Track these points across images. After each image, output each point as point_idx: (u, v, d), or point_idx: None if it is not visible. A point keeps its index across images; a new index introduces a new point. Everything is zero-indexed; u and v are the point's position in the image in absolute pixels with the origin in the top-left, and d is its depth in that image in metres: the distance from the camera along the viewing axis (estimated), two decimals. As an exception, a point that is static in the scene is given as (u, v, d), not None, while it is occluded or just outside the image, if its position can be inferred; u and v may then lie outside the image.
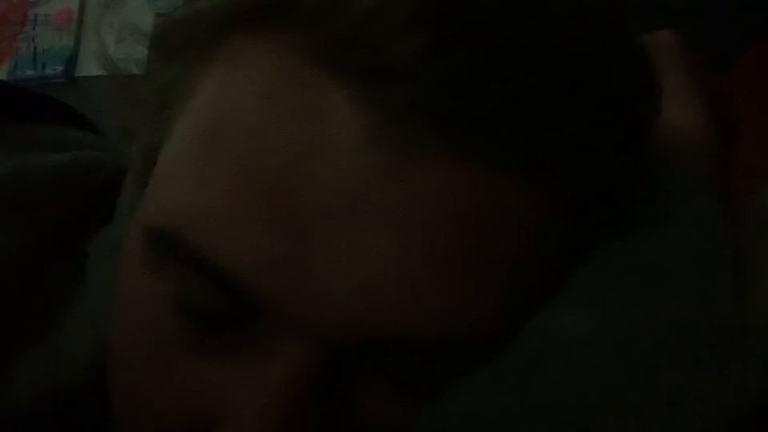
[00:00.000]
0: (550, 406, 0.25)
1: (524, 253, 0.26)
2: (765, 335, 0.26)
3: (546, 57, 0.25)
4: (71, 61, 1.46)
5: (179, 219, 0.26)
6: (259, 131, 0.25)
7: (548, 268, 0.27)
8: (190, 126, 0.28)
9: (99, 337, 0.32)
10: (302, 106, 0.25)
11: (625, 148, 0.28)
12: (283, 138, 0.25)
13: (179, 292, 0.26)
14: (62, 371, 0.32)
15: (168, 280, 0.27)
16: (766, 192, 0.34)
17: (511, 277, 0.26)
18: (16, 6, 1.54)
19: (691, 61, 0.34)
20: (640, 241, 0.28)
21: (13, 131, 0.38)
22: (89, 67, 1.46)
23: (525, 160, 0.25)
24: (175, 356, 0.27)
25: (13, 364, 0.32)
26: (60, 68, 1.46)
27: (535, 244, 0.26)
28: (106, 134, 0.42)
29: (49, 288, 0.34)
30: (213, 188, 0.26)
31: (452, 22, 0.24)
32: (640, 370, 0.25)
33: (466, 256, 0.25)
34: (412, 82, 0.24)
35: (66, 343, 0.33)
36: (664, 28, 0.35)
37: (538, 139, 0.25)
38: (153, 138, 0.30)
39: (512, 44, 0.24)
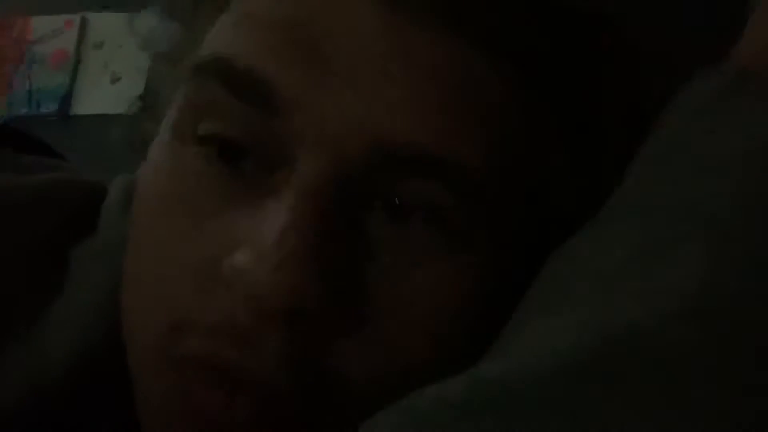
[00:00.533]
0: None
1: (492, 117, 0.31)
2: None
3: None
4: (66, 99, 1.48)
5: (222, 51, 0.31)
6: None
7: (508, 145, 0.31)
8: (228, 14, 0.33)
9: (83, 340, 0.33)
10: None
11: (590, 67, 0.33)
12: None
13: (215, 133, 0.30)
14: (42, 373, 0.33)
15: (205, 116, 0.31)
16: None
17: (486, 125, 0.30)
18: (13, 44, 1.56)
19: None
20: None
21: (5, 157, 0.40)
22: (84, 106, 1.47)
23: (492, 45, 0.31)
24: (199, 209, 0.30)
25: None
26: (54, 107, 1.47)
27: (498, 117, 0.31)
28: (101, 169, 0.43)
29: (29, 292, 0.35)
30: (251, 30, 0.31)
31: None
32: None
33: (453, 98, 0.30)
34: None
35: (46, 346, 0.33)
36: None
37: (504, 31, 0.30)
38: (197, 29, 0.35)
39: None
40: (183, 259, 0.30)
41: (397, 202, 0.30)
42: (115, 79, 1.49)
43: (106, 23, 1.54)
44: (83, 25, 1.55)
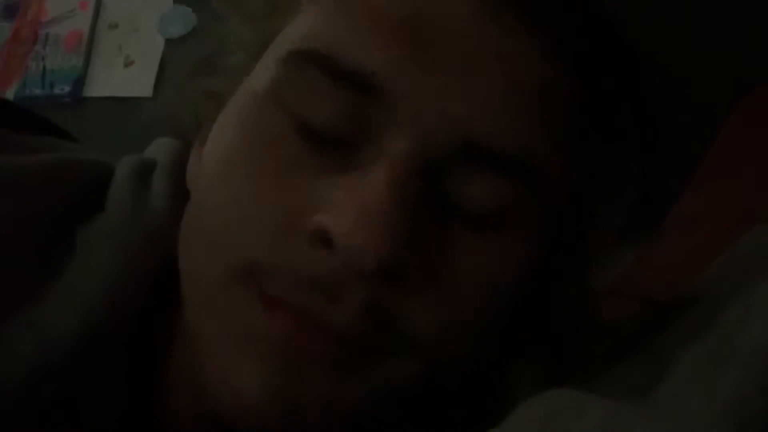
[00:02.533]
0: None
1: (557, 123, 0.34)
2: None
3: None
4: (79, 81, 1.48)
5: (321, 41, 0.33)
6: None
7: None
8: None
9: (86, 321, 0.33)
10: None
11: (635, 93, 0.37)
12: None
13: (307, 107, 0.33)
14: (44, 353, 0.33)
15: (297, 99, 0.33)
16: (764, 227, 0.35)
17: (553, 130, 0.34)
18: (28, 25, 1.56)
19: None
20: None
21: (9, 139, 0.40)
22: (97, 88, 1.47)
23: (564, 58, 0.34)
24: (287, 172, 0.33)
25: None
26: (68, 88, 1.47)
27: (562, 124, 0.35)
28: (112, 152, 0.43)
29: (33, 271, 0.35)
30: (352, 17, 0.33)
31: None
32: None
33: (531, 102, 0.34)
34: None
35: (48, 326, 0.33)
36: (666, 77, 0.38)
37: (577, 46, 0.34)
38: (256, 44, 0.37)
39: None
40: (266, 207, 0.33)
41: (471, 194, 0.33)
42: (128, 63, 1.49)
43: (120, 5, 1.54)
44: (98, 6, 1.55)
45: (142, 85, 1.44)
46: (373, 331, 0.32)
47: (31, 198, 0.36)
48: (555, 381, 0.32)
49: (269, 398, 0.31)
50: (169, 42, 1.48)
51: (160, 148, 0.42)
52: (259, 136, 0.34)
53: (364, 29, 0.33)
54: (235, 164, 0.34)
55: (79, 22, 1.53)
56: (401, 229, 0.31)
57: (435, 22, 0.33)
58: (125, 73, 1.48)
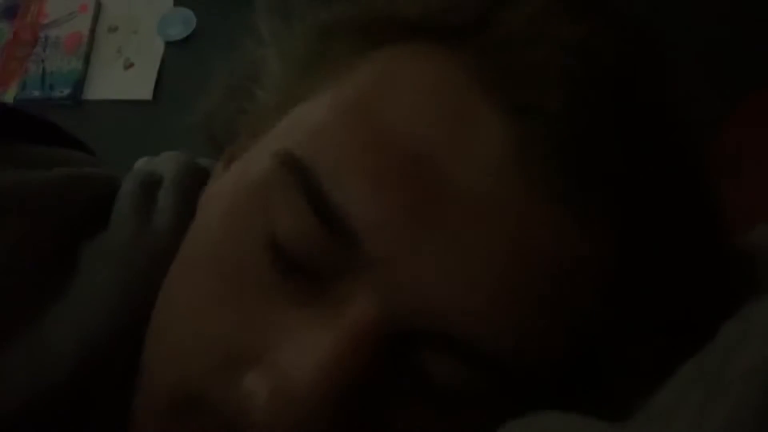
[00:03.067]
0: None
1: (584, 313, 0.29)
2: None
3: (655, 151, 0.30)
4: (79, 84, 1.48)
5: (320, 157, 0.29)
6: (416, 117, 0.29)
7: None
8: (345, 93, 0.31)
9: (87, 342, 0.33)
10: (459, 113, 0.29)
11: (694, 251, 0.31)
12: (436, 130, 0.29)
13: (283, 225, 0.29)
14: (45, 375, 0.32)
15: (277, 212, 0.29)
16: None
17: (569, 327, 0.29)
18: (28, 27, 1.56)
19: None
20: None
21: (16, 150, 0.39)
22: (96, 91, 1.47)
23: (608, 233, 0.29)
24: (247, 293, 0.30)
25: None
26: (67, 91, 1.47)
27: (592, 306, 0.29)
28: (111, 156, 0.43)
29: (35, 292, 0.34)
30: (358, 143, 0.29)
31: (592, 88, 0.29)
32: None
33: (546, 296, 0.29)
34: (558, 128, 0.28)
35: (49, 347, 0.33)
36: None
37: (627, 225, 0.29)
38: (285, 95, 0.34)
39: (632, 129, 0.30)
40: (216, 334, 0.30)
41: (429, 376, 0.28)
42: (128, 65, 1.49)
43: (120, 7, 1.54)
44: (98, 9, 1.55)
45: (142, 87, 1.44)
46: None
47: (37, 216, 0.36)
48: None
49: None
50: (169, 45, 1.48)
51: (167, 163, 0.41)
52: (234, 241, 0.31)
53: (362, 157, 0.29)
54: (199, 270, 0.32)
55: (79, 25, 1.53)
56: (330, 414, 0.27)
57: (451, 168, 0.28)
58: (125, 76, 1.47)
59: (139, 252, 0.35)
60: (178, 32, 1.48)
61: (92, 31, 1.52)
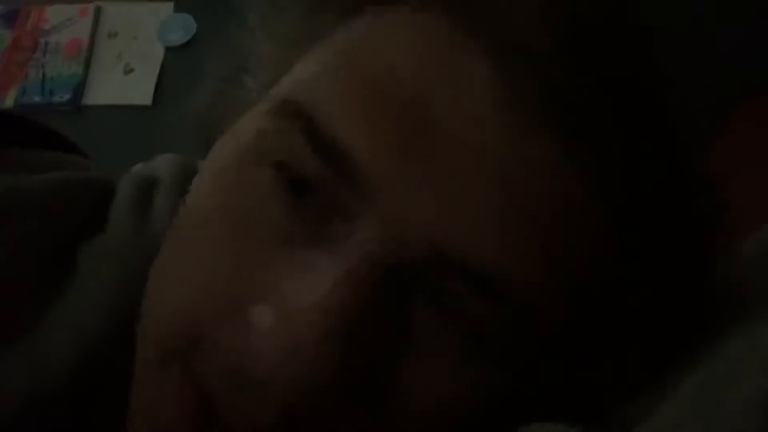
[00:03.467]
0: None
1: (573, 242, 0.30)
2: None
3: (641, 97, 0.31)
4: (79, 89, 1.48)
5: (316, 102, 0.30)
6: (404, 65, 0.30)
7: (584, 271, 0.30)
8: (335, 49, 0.32)
9: (85, 345, 0.33)
10: (446, 59, 0.30)
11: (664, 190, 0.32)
12: (425, 77, 0.29)
13: (286, 161, 0.29)
14: (43, 379, 0.32)
15: (276, 156, 0.30)
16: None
17: (560, 252, 0.30)
18: (28, 32, 1.56)
19: None
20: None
21: (11, 155, 0.39)
22: (96, 96, 1.47)
23: (593, 169, 0.30)
24: (246, 237, 0.30)
25: None
26: (67, 96, 1.47)
27: (580, 235, 0.30)
28: (111, 160, 0.43)
29: (33, 296, 0.34)
30: (351, 90, 0.30)
31: (576, 23, 0.30)
32: None
33: (536, 219, 0.29)
34: (544, 67, 0.29)
35: (47, 351, 0.33)
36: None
37: (609, 157, 0.29)
38: (275, 71, 0.34)
39: (615, 70, 0.30)
40: (217, 280, 0.30)
41: (438, 303, 0.29)
42: (128, 71, 1.49)
43: (120, 13, 1.54)
44: (97, 15, 1.55)
45: (142, 92, 1.44)
46: None
47: (34, 220, 0.36)
48: None
49: None
50: (169, 50, 1.48)
51: (163, 165, 0.41)
52: (231, 191, 0.31)
53: (358, 100, 0.29)
54: (198, 219, 0.32)
55: (79, 30, 1.53)
56: (336, 343, 0.27)
57: (442, 111, 0.29)
58: (125, 81, 1.48)
59: (137, 253, 0.35)
60: (178, 38, 1.48)
61: (92, 36, 1.53)
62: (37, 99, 1.49)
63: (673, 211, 0.32)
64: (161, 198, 0.38)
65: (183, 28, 1.49)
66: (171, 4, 1.52)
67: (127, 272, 0.35)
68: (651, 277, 0.31)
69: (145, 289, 0.33)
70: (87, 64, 1.50)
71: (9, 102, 1.50)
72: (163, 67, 1.46)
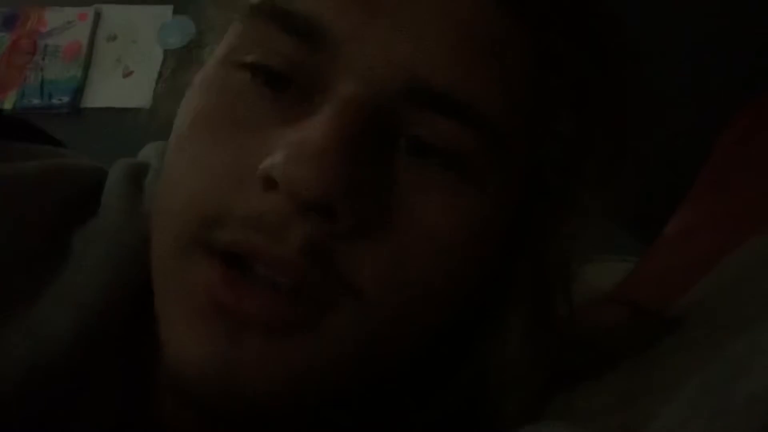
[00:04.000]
0: None
1: (511, 74, 0.35)
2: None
3: None
4: (78, 92, 1.48)
5: None
6: None
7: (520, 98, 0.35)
8: None
9: (81, 319, 0.34)
10: None
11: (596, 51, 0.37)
12: None
13: (258, 60, 0.34)
14: (41, 353, 0.33)
15: (250, 50, 0.34)
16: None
17: (506, 80, 0.34)
18: (27, 35, 1.56)
19: None
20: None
21: (7, 145, 0.40)
22: (95, 99, 1.48)
23: (518, 8, 0.34)
24: (240, 124, 0.34)
25: None
26: (66, 99, 1.47)
27: (516, 75, 0.35)
28: (110, 163, 0.44)
29: (28, 275, 0.35)
30: None
31: None
32: None
33: (483, 51, 0.34)
34: None
35: (45, 322, 0.33)
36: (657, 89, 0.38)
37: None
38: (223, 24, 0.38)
39: None
40: (219, 163, 0.33)
41: (420, 139, 0.33)
42: (127, 73, 1.49)
43: (119, 16, 1.54)
44: (97, 18, 1.55)
45: (141, 95, 1.44)
46: (313, 271, 0.31)
47: (28, 203, 0.36)
48: (544, 389, 0.32)
49: (209, 366, 0.31)
50: (168, 53, 1.48)
51: (152, 152, 0.43)
52: (215, 95, 0.35)
53: None
54: (191, 127, 0.35)
55: (78, 33, 1.53)
56: (342, 167, 0.31)
57: None
58: (124, 84, 1.48)
59: (131, 232, 0.37)
60: (177, 41, 1.48)
61: (91, 39, 1.53)
62: (36, 102, 1.49)
63: (585, 40, 0.37)
64: (151, 179, 0.40)
65: (182, 31, 1.49)
66: (170, 8, 1.52)
67: (122, 251, 0.36)
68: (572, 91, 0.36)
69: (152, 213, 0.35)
70: (86, 67, 1.50)
71: (8, 105, 1.50)
72: (162, 69, 1.46)
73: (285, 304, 0.31)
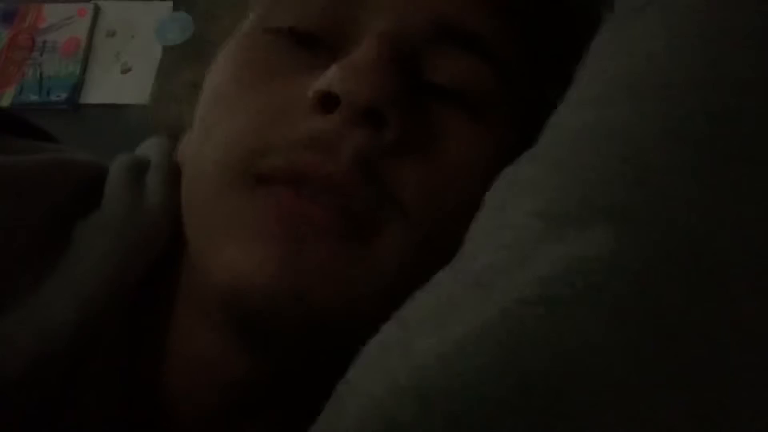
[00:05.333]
0: None
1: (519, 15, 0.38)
2: None
3: None
4: (76, 88, 1.47)
5: None
6: None
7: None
8: None
9: (83, 310, 0.34)
10: None
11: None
12: None
13: (295, 19, 0.37)
14: (43, 342, 0.33)
15: (281, 19, 0.37)
16: None
17: (515, 22, 0.38)
18: (26, 31, 1.56)
19: None
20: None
21: (8, 140, 0.40)
22: (94, 95, 1.47)
23: None
24: (279, 73, 0.36)
25: None
26: (65, 95, 1.47)
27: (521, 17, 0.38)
28: (109, 159, 0.43)
29: (30, 265, 0.35)
30: None
31: None
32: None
33: None
34: None
35: (47, 312, 0.34)
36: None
37: None
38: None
39: None
40: (261, 103, 0.35)
41: (447, 69, 0.36)
42: (125, 70, 1.49)
43: (118, 12, 1.54)
44: (95, 14, 1.54)
45: (140, 92, 1.43)
46: (365, 187, 0.33)
47: (29, 196, 0.36)
48: None
49: (274, 272, 0.32)
50: (167, 49, 1.47)
51: (152, 147, 0.43)
52: (250, 57, 0.37)
53: None
54: (225, 84, 0.37)
55: (77, 29, 1.53)
56: (391, 78, 0.34)
57: None
58: (122, 80, 1.47)
59: (132, 226, 0.37)
60: (176, 36, 1.48)
61: (90, 35, 1.52)
62: (34, 98, 1.49)
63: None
64: (153, 174, 0.40)
65: (181, 27, 1.48)
66: (169, 3, 1.52)
67: (124, 243, 0.36)
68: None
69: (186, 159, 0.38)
70: (84, 63, 1.50)
71: (6, 101, 1.49)
72: (161, 66, 1.46)
73: (342, 217, 0.33)
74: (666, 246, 0.26)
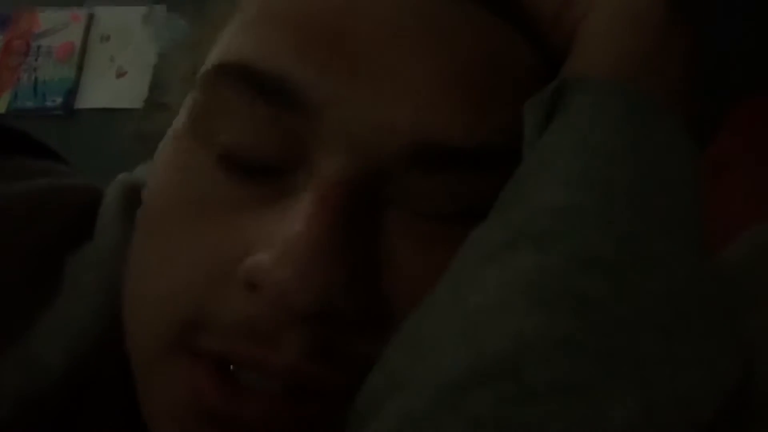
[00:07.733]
0: None
1: (512, 89, 0.31)
2: None
3: None
4: (71, 93, 1.47)
5: (248, 54, 0.30)
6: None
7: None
8: (245, 12, 0.33)
9: (74, 350, 0.33)
10: None
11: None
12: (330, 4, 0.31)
13: (230, 131, 0.30)
14: (34, 384, 0.32)
15: (215, 130, 0.30)
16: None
17: (509, 104, 0.31)
18: (20, 36, 1.55)
19: None
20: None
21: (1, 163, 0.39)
22: (89, 100, 1.47)
23: (516, 21, 0.32)
24: (214, 212, 0.30)
25: None
26: (60, 100, 1.47)
27: (513, 79, 0.32)
28: (104, 164, 0.43)
29: (21, 303, 0.34)
30: (274, 30, 0.31)
31: None
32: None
33: (479, 81, 0.30)
34: None
35: (37, 356, 0.33)
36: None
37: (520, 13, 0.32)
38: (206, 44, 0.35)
39: None
40: (196, 258, 0.30)
41: (415, 195, 0.30)
42: (120, 74, 1.48)
43: (113, 17, 1.54)
44: (90, 19, 1.54)
45: (135, 96, 1.43)
46: (317, 368, 0.28)
47: (21, 228, 0.36)
48: None
49: None
50: (162, 53, 1.47)
51: (147, 173, 0.42)
52: (181, 179, 0.31)
53: (284, 38, 0.30)
54: (159, 210, 0.32)
55: (72, 34, 1.53)
56: (337, 261, 0.27)
57: (359, 21, 0.30)
58: (117, 85, 1.47)
59: (123, 261, 0.35)
60: (170, 40, 1.48)
61: (84, 40, 1.52)
62: (29, 103, 1.48)
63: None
64: None
65: (175, 31, 1.48)
66: (163, 7, 1.52)
67: (114, 281, 0.35)
68: None
69: (123, 295, 0.33)
70: (79, 68, 1.50)
71: (1, 106, 1.49)
72: (155, 70, 1.46)
73: (285, 407, 0.29)
74: None
